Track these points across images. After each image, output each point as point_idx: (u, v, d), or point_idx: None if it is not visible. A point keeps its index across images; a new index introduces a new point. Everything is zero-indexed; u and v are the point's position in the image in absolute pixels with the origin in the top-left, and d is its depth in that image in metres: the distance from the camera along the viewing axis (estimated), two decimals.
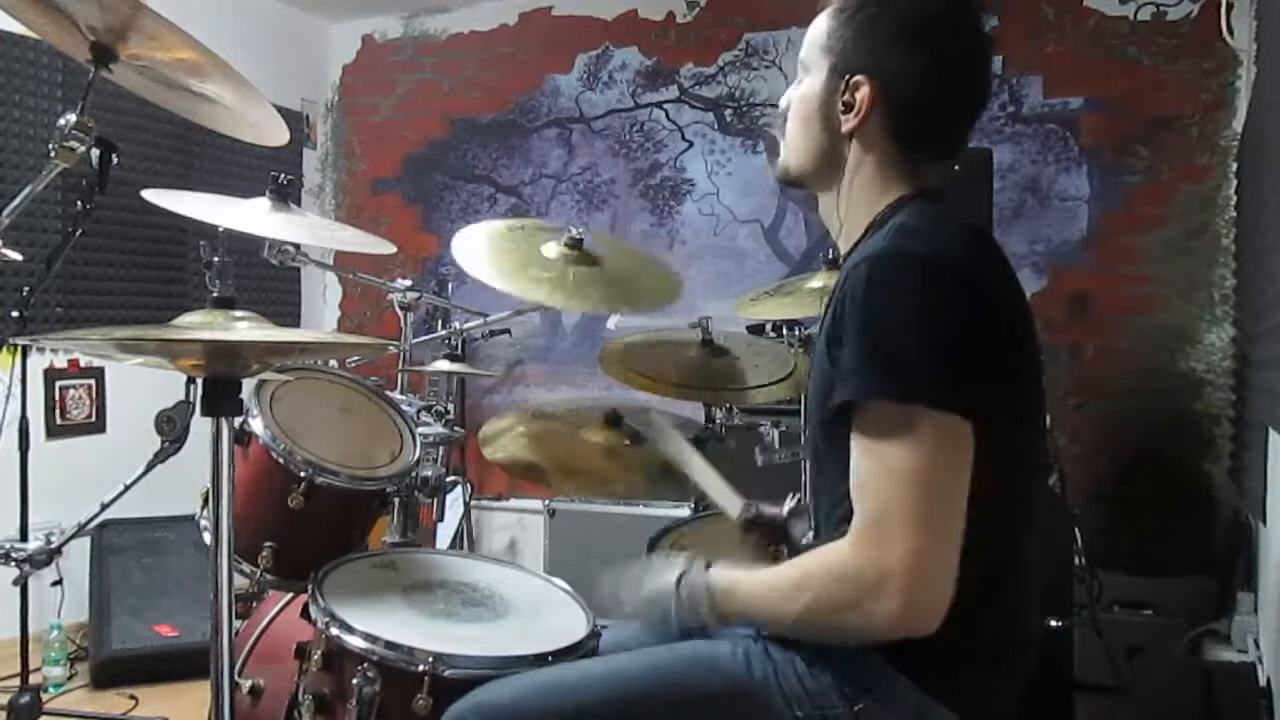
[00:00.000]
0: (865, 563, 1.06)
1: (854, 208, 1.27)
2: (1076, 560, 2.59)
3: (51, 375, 3.57)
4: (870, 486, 1.08)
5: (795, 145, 1.31)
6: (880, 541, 1.05)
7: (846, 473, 1.12)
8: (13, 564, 1.74)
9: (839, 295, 1.14)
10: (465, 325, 2.93)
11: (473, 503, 4.19)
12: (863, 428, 1.09)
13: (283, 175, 2.01)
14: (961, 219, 1.23)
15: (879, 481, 1.07)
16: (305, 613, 1.56)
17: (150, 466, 1.63)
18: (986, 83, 1.27)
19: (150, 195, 1.89)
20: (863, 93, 1.21)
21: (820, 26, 1.28)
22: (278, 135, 1.93)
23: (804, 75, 1.30)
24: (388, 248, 2.27)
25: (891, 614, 1.04)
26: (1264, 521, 2.68)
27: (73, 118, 1.61)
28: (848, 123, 1.23)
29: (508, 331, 3.78)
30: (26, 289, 2.16)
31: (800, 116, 1.29)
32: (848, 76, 1.22)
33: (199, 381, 1.27)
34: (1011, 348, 1.14)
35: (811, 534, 1.34)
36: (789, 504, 1.55)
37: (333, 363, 2.06)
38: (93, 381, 3.70)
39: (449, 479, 2.21)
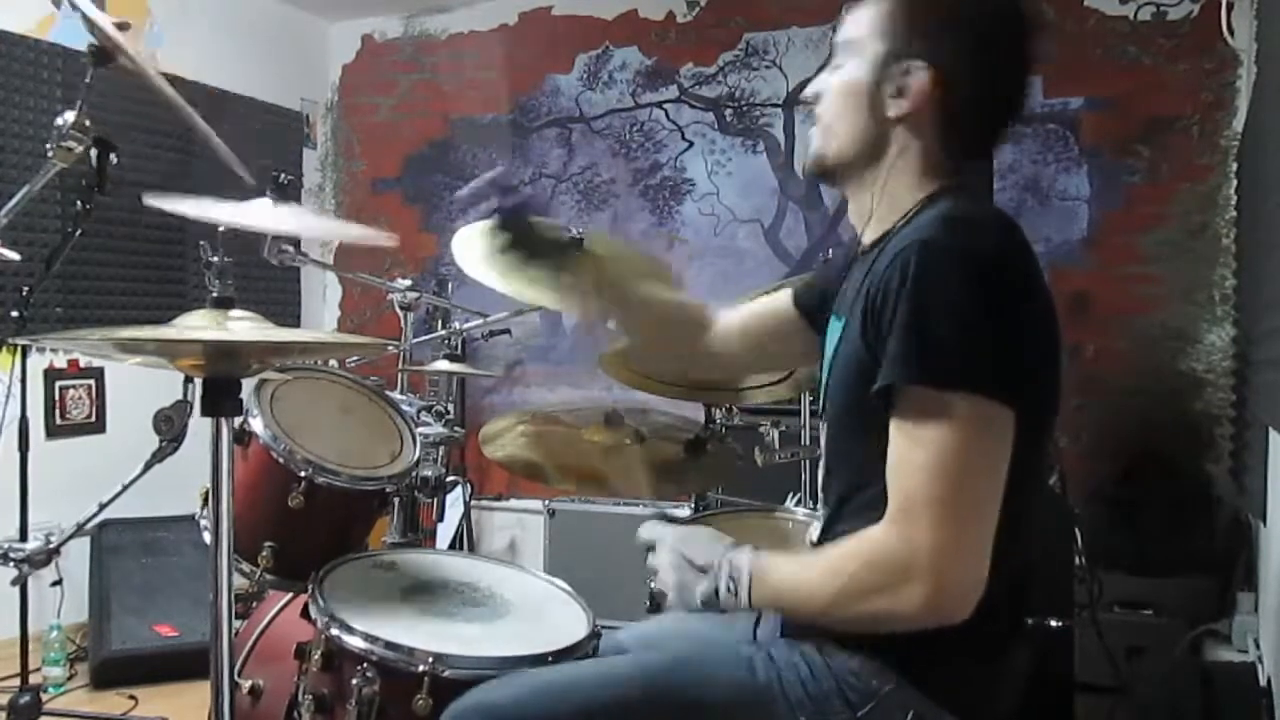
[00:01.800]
0: (895, 546, 1.06)
1: (889, 197, 1.24)
2: (1076, 560, 2.59)
3: (51, 375, 3.57)
4: (904, 470, 1.08)
5: (837, 130, 1.26)
6: (910, 525, 1.05)
7: (870, 457, 1.12)
8: (12, 564, 1.74)
9: (880, 280, 1.12)
10: (465, 325, 2.93)
11: (473, 503, 4.19)
12: (903, 412, 1.09)
13: (283, 175, 2.01)
14: (998, 213, 1.21)
15: (913, 465, 1.07)
16: (305, 613, 1.56)
17: (148, 466, 1.63)
18: (1029, 85, 1.24)
19: (151, 199, 1.89)
20: (919, 79, 1.18)
21: (873, 9, 1.24)
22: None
23: (846, 60, 1.25)
24: (390, 240, 2.25)
25: (921, 599, 1.04)
26: (1264, 521, 2.68)
27: (71, 116, 1.61)
28: (897, 107, 1.20)
29: (508, 331, 3.78)
30: (26, 289, 2.16)
31: (845, 101, 1.25)
32: (904, 61, 1.19)
33: (198, 381, 1.27)
34: (1043, 344, 1.14)
35: (819, 526, 1.33)
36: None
37: (333, 363, 2.06)
38: (93, 381, 3.70)
39: (449, 479, 2.22)
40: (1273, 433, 2.43)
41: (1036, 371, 1.11)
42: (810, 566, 1.16)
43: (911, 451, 1.07)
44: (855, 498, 1.19)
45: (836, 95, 1.26)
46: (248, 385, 1.33)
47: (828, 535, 1.25)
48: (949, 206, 1.18)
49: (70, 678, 3.22)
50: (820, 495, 1.37)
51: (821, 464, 1.34)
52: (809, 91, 1.31)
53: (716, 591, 1.17)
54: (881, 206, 1.25)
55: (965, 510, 1.05)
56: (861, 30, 1.24)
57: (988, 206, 1.22)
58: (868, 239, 1.28)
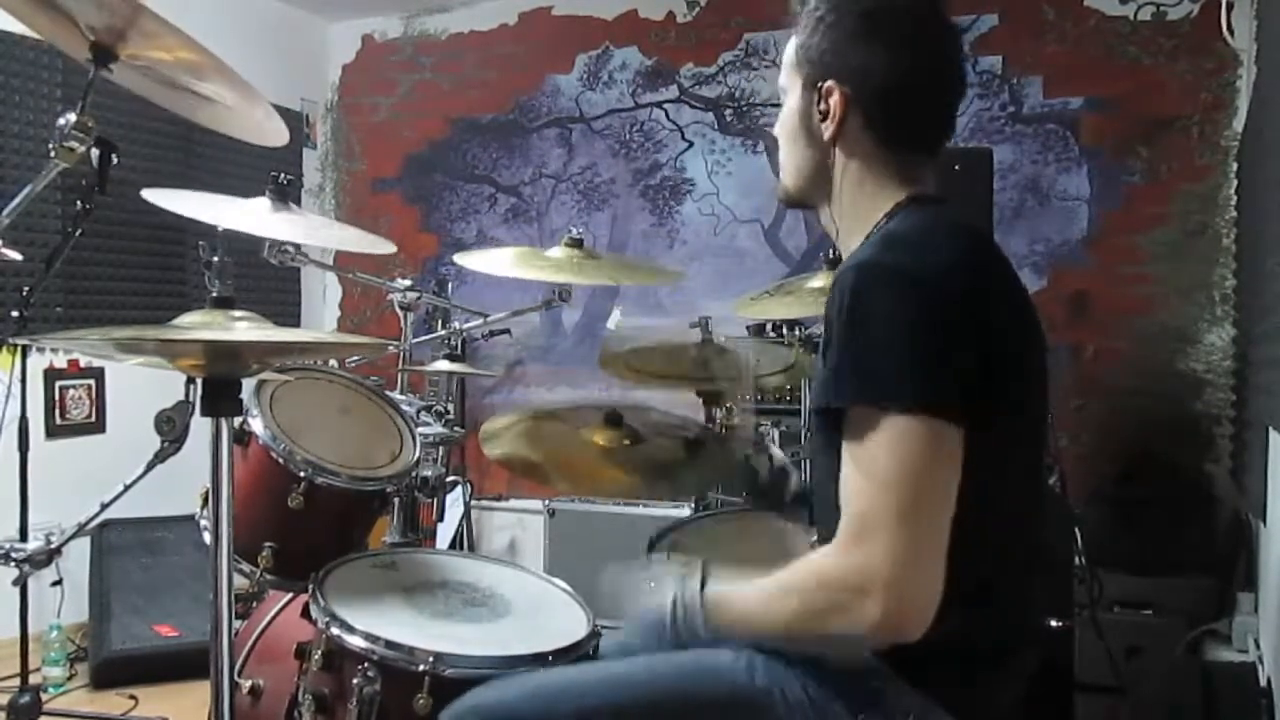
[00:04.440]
0: (847, 567, 1.06)
1: (849, 214, 1.27)
2: (1076, 560, 2.59)
3: (51, 375, 3.57)
4: (852, 490, 1.08)
5: (787, 165, 1.34)
6: (861, 545, 1.05)
7: (836, 478, 1.12)
8: (12, 564, 1.74)
9: (829, 302, 1.14)
10: (465, 325, 2.93)
11: (473, 503, 4.19)
12: (847, 433, 1.10)
13: (283, 175, 2.01)
14: (958, 222, 1.23)
15: (860, 485, 1.07)
16: (305, 613, 1.56)
17: (150, 466, 1.62)
18: (956, 67, 1.27)
19: (150, 195, 1.89)
20: (835, 97, 1.23)
21: (789, 51, 1.31)
22: (277, 135, 1.93)
23: (784, 98, 1.33)
24: (387, 246, 2.27)
25: (875, 618, 1.04)
26: (1264, 521, 2.68)
27: (73, 117, 1.60)
28: (827, 130, 1.25)
29: (508, 331, 3.78)
30: (26, 289, 2.16)
31: (786, 136, 1.32)
32: (819, 85, 1.24)
33: (199, 381, 1.27)
34: (1006, 351, 1.13)
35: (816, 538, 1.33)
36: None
37: (333, 363, 2.06)
38: (93, 381, 3.70)
39: (449, 479, 2.21)
40: (1273, 433, 2.43)
41: (991, 383, 1.10)
42: (764, 592, 1.16)
43: (856, 470, 1.08)
44: (835, 514, 1.19)
45: (782, 130, 1.33)
46: (247, 385, 1.34)
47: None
48: (895, 224, 1.21)
49: (70, 678, 3.22)
50: (814, 519, 1.37)
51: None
52: (775, 132, 1.37)
53: (679, 632, 1.19)
54: (844, 226, 1.28)
55: (915, 527, 1.04)
56: (787, 68, 1.31)
57: (941, 219, 1.22)
58: (845, 254, 1.30)
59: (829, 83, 1.23)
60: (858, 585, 1.04)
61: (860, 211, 1.26)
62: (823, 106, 1.24)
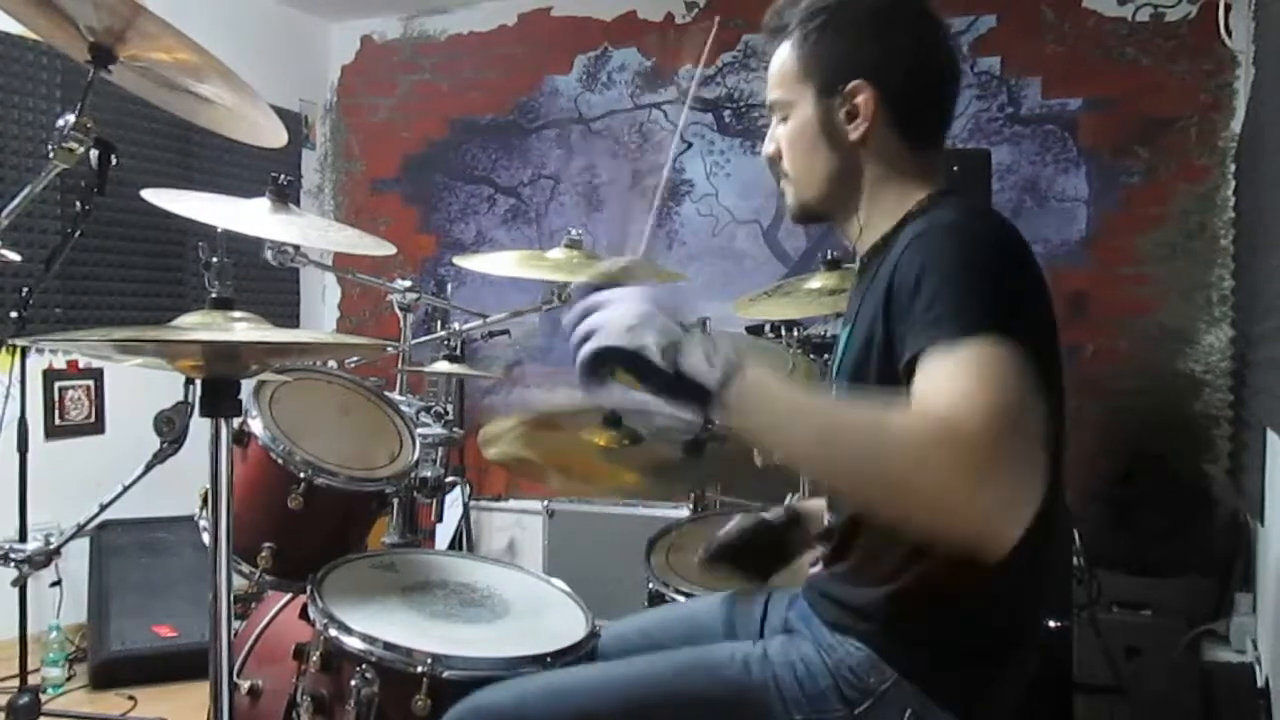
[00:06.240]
0: (947, 432, 0.92)
1: (876, 211, 1.26)
2: (1076, 560, 2.59)
3: (51, 376, 3.57)
4: (934, 389, 0.96)
5: (807, 178, 1.28)
6: (964, 422, 0.92)
7: None
8: (12, 565, 1.74)
9: (901, 265, 1.10)
10: (465, 326, 2.93)
11: (472, 503, 4.18)
12: (941, 361, 0.98)
13: (282, 175, 2.02)
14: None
15: (946, 386, 0.95)
16: (304, 613, 1.56)
17: (149, 467, 1.63)
18: (955, 57, 1.27)
19: (150, 195, 1.90)
20: (863, 96, 1.21)
21: (785, 63, 1.26)
22: (275, 136, 1.93)
23: (785, 114, 1.28)
24: (386, 247, 2.28)
25: (974, 499, 0.90)
26: (1262, 522, 2.68)
27: (72, 118, 1.61)
28: (856, 130, 1.22)
29: (507, 332, 3.78)
30: (26, 289, 2.16)
31: (803, 148, 1.26)
32: (841, 88, 1.22)
33: (198, 382, 1.28)
34: (1051, 325, 1.15)
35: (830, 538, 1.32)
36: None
37: (332, 363, 2.06)
38: (92, 382, 3.70)
39: (448, 479, 2.22)
40: (1271, 434, 2.43)
41: (1047, 345, 1.10)
42: (829, 403, 1.06)
43: (954, 379, 0.96)
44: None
45: (794, 144, 1.27)
46: (247, 386, 1.34)
47: (844, 548, 1.24)
48: (955, 202, 1.21)
49: (69, 678, 3.22)
50: (828, 503, 1.35)
51: None
52: (768, 151, 1.32)
53: (678, 346, 1.02)
54: (869, 222, 1.26)
55: (1016, 430, 0.93)
56: (787, 81, 1.26)
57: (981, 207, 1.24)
58: (863, 250, 1.29)
59: (855, 83, 1.21)
60: (970, 450, 0.90)
61: (885, 208, 1.25)
62: (848, 109, 1.22)
